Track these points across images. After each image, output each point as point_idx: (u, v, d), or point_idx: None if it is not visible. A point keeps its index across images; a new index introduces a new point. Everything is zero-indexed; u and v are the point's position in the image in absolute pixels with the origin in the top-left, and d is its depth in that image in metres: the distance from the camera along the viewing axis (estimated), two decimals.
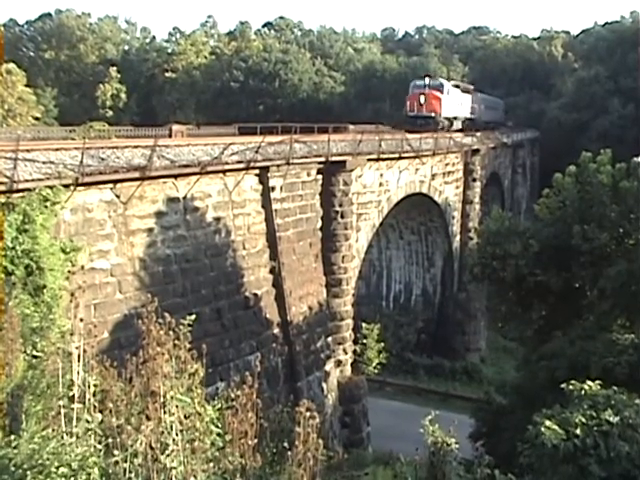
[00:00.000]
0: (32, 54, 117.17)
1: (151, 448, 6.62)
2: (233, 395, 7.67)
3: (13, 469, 6.38)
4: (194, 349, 7.55)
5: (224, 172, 26.33)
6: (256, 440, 7.59)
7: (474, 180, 55.11)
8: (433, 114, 54.24)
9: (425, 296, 55.81)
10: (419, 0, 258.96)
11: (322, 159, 31.41)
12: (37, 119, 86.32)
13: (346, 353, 33.85)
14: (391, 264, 56.37)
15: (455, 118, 59.25)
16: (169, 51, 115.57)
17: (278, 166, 28.62)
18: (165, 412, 6.88)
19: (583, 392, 14.04)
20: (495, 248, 27.13)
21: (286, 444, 8.76)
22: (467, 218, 54.17)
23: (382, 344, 44.28)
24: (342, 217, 33.01)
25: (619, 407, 13.21)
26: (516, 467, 13.44)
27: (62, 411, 7.21)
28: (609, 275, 23.05)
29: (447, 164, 50.73)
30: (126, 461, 6.63)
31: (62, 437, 6.95)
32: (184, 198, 24.63)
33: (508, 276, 26.56)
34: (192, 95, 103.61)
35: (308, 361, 30.08)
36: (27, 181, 18.21)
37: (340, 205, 32.79)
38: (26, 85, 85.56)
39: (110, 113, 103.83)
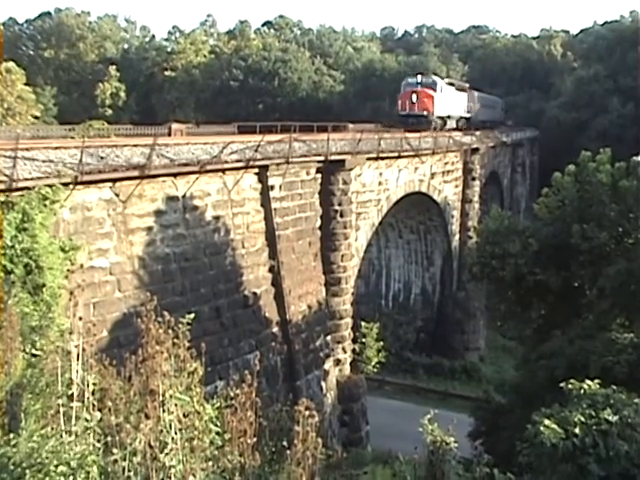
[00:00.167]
0: (31, 53, 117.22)
1: (150, 447, 6.62)
2: (232, 394, 7.66)
3: (12, 467, 6.38)
4: (193, 348, 7.54)
5: (223, 171, 26.32)
6: (255, 439, 7.58)
7: (473, 179, 55.08)
8: (425, 113, 53.15)
9: (424, 295, 55.82)
10: None
11: (321, 158, 31.40)
12: (36, 118, 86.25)
13: (345, 352, 33.86)
14: (390, 263, 56.37)
15: (449, 117, 58.28)
16: (168, 50, 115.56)
17: (277, 165, 28.61)
18: (164, 411, 6.88)
19: (582, 391, 14.04)
20: (494, 247, 27.12)
21: (285, 443, 8.77)
22: (466, 217, 54.17)
23: (381, 343, 44.22)
24: (341, 216, 33.00)
25: (618, 406, 13.21)
26: (515, 466, 13.44)
27: (61, 410, 7.20)
28: (608, 274, 23.05)
29: (446, 163, 50.72)
30: (125, 459, 6.63)
31: (61, 436, 6.94)
32: (183, 197, 24.62)
33: (507, 275, 26.55)
34: (191, 94, 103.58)
35: (307, 360, 30.09)
36: (26, 180, 18.20)
37: (339, 204, 32.78)
38: (25, 84, 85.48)
39: (109, 112, 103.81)
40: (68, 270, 18.64)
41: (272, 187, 28.62)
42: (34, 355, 10.83)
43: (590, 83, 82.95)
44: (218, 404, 7.89)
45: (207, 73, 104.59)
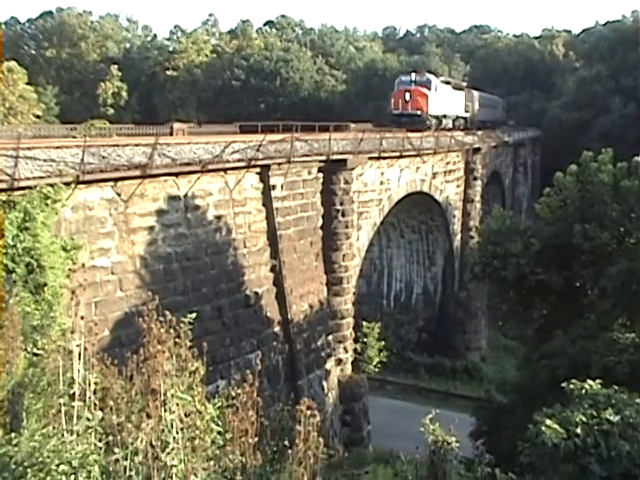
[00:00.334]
0: (33, 52, 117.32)
1: (151, 446, 6.62)
2: (234, 393, 7.67)
3: (13, 467, 6.38)
4: (195, 347, 7.54)
5: (225, 170, 26.32)
6: (257, 438, 7.58)
7: (475, 179, 55.04)
8: (419, 112, 51.31)
9: (426, 295, 55.79)
10: None
11: (323, 157, 31.40)
12: (38, 117, 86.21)
13: (347, 352, 33.86)
14: (392, 263, 56.35)
15: (445, 116, 56.45)
16: (170, 49, 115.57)
17: (279, 164, 28.60)
18: (166, 410, 6.88)
19: (584, 391, 14.04)
20: (496, 247, 27.12)
21: (286, 442, 8.77)
22: (468, 217, 54.13)
23: (383, 343, 44.14)
24: (343, 216, 32.99)
25: (620, 406, 13.21)
26: (516, 466, 13.43)
27: (63, 409, 7.21)
28: (610, 274, 23.05)
29: (448, 163, 50.66)
30: (126, 459, 6.63)
31: (62, 435, 6.94)
32: (185, 196, 24.62)
33: (509, 275, 26.55)
34: (193, 93, 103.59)
35: (309, 359, 30.08)
36: (28, 179, 18.21)
37: (341, 204, 32.76)
38: (27, 83, 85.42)
39: (111, 111, 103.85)
40: (70, 269, 18.66)
41: (274, 187, 28.60)
42: (35, 354, 10.83)
43: (592, 83, 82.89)
44: (219, 403, 7.87)
45: (209, 73, 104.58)
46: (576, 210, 25.96)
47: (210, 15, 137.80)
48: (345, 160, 32.74)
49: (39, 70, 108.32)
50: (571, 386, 14.41)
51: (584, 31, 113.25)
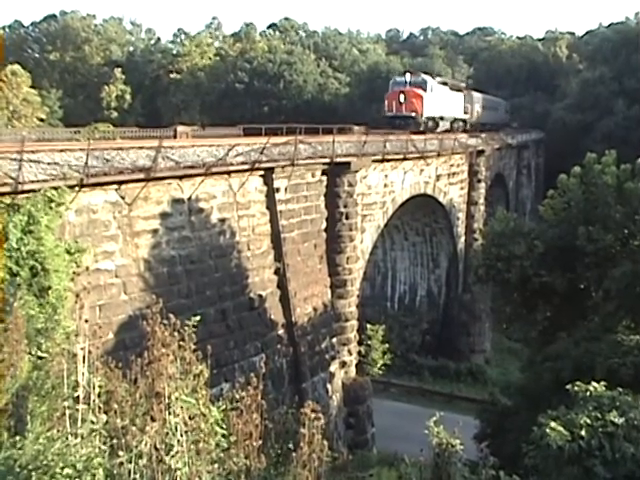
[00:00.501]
0: (37, 55, 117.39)
1: (156, 449, 6.62)
2: (238, 396, 7.67)
3: (18, 470, 6.39)
4: (199, 350, 7.54)
5: (229, 173, 26.34)
6: (261, 441, 7.59)
7: (479, 181, 54.96)
8: (414, 114, 49.61)
9: (430, 297, 55.75)
10: (424, 1, 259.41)
11: (327, 160, 31.42)
12: (42, 120, 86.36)
13: (351, 354, 33.84)
14: (396, 265, 56.32)
15: (442, 118, 54.72)
16: (174, 52, 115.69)
17: (283, 167, 28.62)
18: (170, 413, 6.88)
19: (588, 393, 14.03)
20: (500, 249, 27.11)
21: (291, 445, 8.76)
22: (472, 219, 54.08)
23: (387, 345, 44.23)
24: (347, 218, 32.99)
25: (624, 408, 13.20)
26: (521, 468, 13.42)
27: (67, 412, 7.20)
28: (614, 276, 23.03)
29: (452, 165, 50.61)
30: (131, 462, 6.63)
31: (67, 438, 6.94)
32: (189, 199, 24.65)
33: (513, 277, 26.53)
34: (197, 96, 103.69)
35: (313, 362, 30.07)
36: (32, 182, 18.24)
37: (345, 206, 32.77)
38: (31, 86, 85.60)
39: (115, 114, 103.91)
40: (74, 272, 18.66)
41: (278, 189, 28.63)
42: (40, 357, 10.83)
43: (595, 85, 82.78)
44: (224, 406, 7.88)
45: (212, 76, 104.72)
46: (580, 212, 25.95)
47: (214, 18, 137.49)
48: (349, 163, 32.76)
49: (43, 73, 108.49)
50: (575, 388, 14.40)
51: (587, 33, 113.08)
